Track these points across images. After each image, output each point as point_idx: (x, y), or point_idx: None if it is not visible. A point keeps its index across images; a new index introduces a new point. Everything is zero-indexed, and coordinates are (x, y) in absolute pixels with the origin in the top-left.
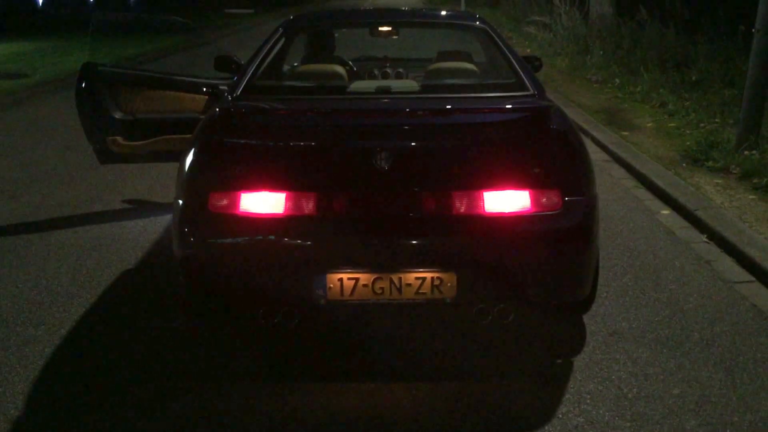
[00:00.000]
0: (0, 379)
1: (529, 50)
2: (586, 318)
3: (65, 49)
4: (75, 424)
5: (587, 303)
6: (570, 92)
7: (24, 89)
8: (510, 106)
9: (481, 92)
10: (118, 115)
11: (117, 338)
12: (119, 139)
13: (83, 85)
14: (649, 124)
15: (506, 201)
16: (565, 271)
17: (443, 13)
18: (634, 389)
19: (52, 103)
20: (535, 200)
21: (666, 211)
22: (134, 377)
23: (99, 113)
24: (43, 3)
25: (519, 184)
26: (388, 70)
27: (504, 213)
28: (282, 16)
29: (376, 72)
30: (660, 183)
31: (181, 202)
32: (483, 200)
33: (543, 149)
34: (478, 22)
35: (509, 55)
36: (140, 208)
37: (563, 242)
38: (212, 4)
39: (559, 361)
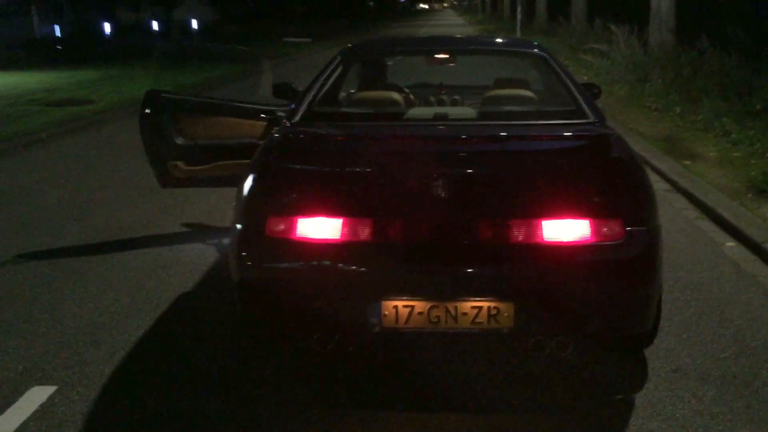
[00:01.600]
0: (61, 398)
1: (586, 78)
2: (647, 353)
3: (130, 76)
4: None
5: (649, 337)
6: (628, 120)
7: (90, 115)
8: (570, 134)
9: (540, 119)
10: (179, 141)
11: (173, 360)
12: (180, 164)
13: (147, 111)
14: (712, 154)
15: (566, 230)
16: (626, 304)
17: (501, 40)
18: (699, 429)
19: (116, 129)
20: (595, 230)
21: (731, 243)
22: (188, 400)
23: (161, 139)
24: (109, 33)
25: (579, 213)
26: (444, 97)
27: (564, 242)
28: (339, 45)
29: (432, 99)
30: (725, 214)
31: (239, 226)
32: (542, 229)
33: (604, 178)
34: (536, 50)
35: (569, 82)
36: (199, 231)
37: (624, 273)
38: (272, 33)
39: (619, 397)
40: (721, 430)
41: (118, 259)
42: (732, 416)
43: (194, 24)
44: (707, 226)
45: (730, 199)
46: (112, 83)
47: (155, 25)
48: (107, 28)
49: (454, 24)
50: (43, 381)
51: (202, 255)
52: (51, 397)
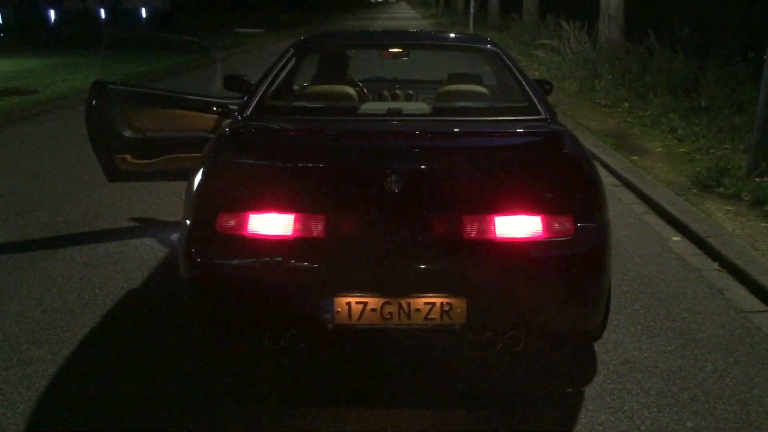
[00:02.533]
0: (2, 399)
1: (537, 73)
2: (597, 346)
3: (76, 66)
4: None
5: (599, 331)
6: (579, 116)
7: (34, 105)
8: (522, 130)
9: (493, 115)
10: (127, 133)
11: (121, 358)
12: (128, 157)
13: (93, 102)
14: (659, 149)
15: (518, 226)
16: (576, 299)
17: (454, 35)
18: (647, 421)
19: (61, 120)
20: (547, 226)
21: (677, 238)
22: (138, 398)
23: (108, 131)
24: (54, 20)
25: (531, 209)
26: (398, 92)
27: (515, 238)
28: (292, 36)
29: (385, 93)
30: (671, 209)
31: (188, 222)
32: (494, 225)
33: (556, 174)
34: (489, 45)
35: (521, 78)
36: (147, 226)
37: (575, 269)
38: (224, 24)
39: (569, 390)
40: (668, 422)
41: (63, 254)
42: (678, 408)
43: (143, 13)
44: (654, 220)
45: (675, 194)
46: (58, 72)
47: (102, 13)
48: (52, 15)
49: (408, 17)
50: None
51: (150, 250)
52: None
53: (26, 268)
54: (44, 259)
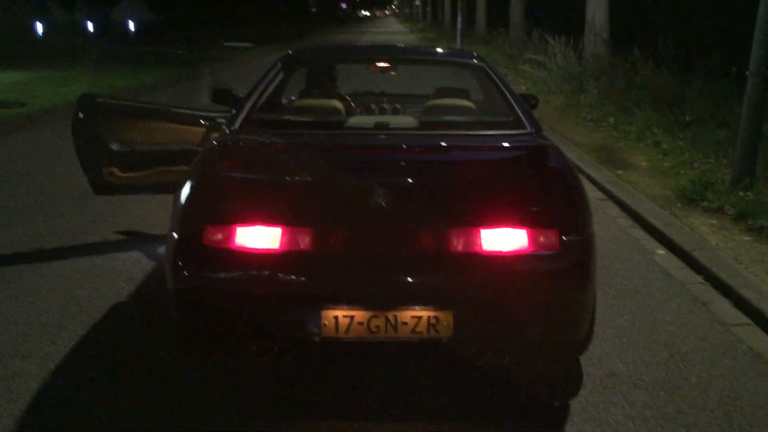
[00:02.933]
0: None
1: (524, 88)
2: (582, 359)
3: (64, 78)
4: None
5: (584, 344)
6: (565, 130)
7: (21, 118)
8: (508, 144)
9: (480, 130)
10: (115, 147)
11: (106, 372)
12: (116, 170)
13: (80, 115)
14: (644, 163)
15: (504, 240)
16: (562, 312)
17: (441, 50)
18: None
19: (48, 133)
20: (532, 239)
21: (662, 251)
22: (123, 412)
23: (96, 144)
24: (43, 33)
25: (517, 223)
26: (386, 106)
27: (501, 252)
28: (280, 50)
29: (373, 107)
30: (656, 223)
31: (175, 235)
32: (480, 238)
33: (541, 188)
34: (476, 60)
35: (507, 93)
36: (134, 239)
37: (561, 282)
38: (212, 37)
39: (555, 403)
40: None
41: (49, 268)
42: (663, 421)
43: (131, 26)
44: (639, 234)
45: (660, 207)
46: (45, 85)
47: (90, 26)
48: (40, 27)
49: (396, 32)
50: None
51: (136, 263)
52: None
53: (11, 282)
54: (29, 272)
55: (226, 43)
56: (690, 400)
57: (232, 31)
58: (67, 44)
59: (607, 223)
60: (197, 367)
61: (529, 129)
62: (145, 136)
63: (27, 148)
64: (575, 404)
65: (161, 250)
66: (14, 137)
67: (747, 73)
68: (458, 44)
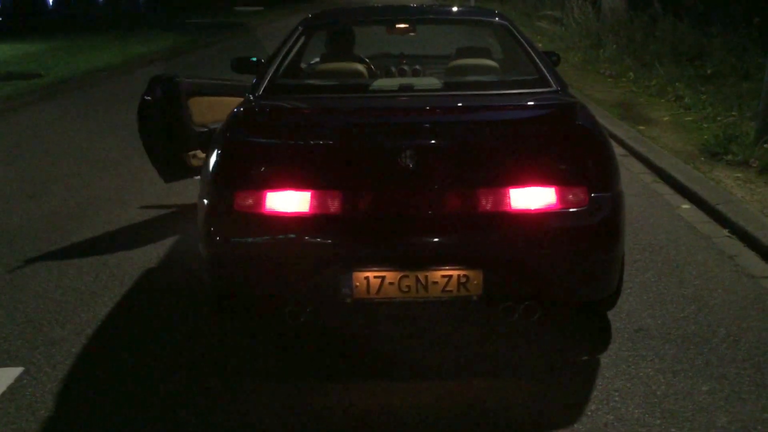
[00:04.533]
0: (29, 379)
1: (541, 45)
2: (610, 315)
3: (77, 48)
4: (103, 422)
5: (613, 300)
6: (584, 87)
7: (39, 89)
8: (535, 103)
9: (505, 89)
10: (197, 128)
11: (141, 336)
12: (199, 152)
13: (151, 99)
14: (666, 118)
15: (532, 198)
16: (591, 268)
17: (461, 9)
18: (663, 386)
19: (66, 103)
20: (561, 197)
21: (686, 206)
22: (159, 376)
23: (178, 127)
24: (53, 3)
25: (545, 181)
26: (405, 68)
27: (530, 210)
28: (291, 13)
29: (392, 69)
30: (679, 177)
31: (206, 201)
32: (509, 197)
33: (569, 146)
34: (497, 18)
35: (531, 51)
36: (159, 207)
37: (590, 239)
38: (222, 2)
39: (585, 358)
40: (683, 387)
41: (79, 236)
42: (693, 373)
43: None
44: (663, 189)
45: (684, 162)
46: (59, 56)
47: None
48: None
49: None
50: (9, 362)
51: (164, 230)
52: (19, 378)
53: (43, 251)
54: (59, 241)
55: (236, 8)
56: (720, 352)
57: None
58: (78, 13)
59: (630, 179)
60: (230, 332)
61: (554, 87)
62: (221, 113)
63: (47, 119)
64: (605, 359)
65: (188, 216)
66: (32, 109)
67: None
68: (472, 3)
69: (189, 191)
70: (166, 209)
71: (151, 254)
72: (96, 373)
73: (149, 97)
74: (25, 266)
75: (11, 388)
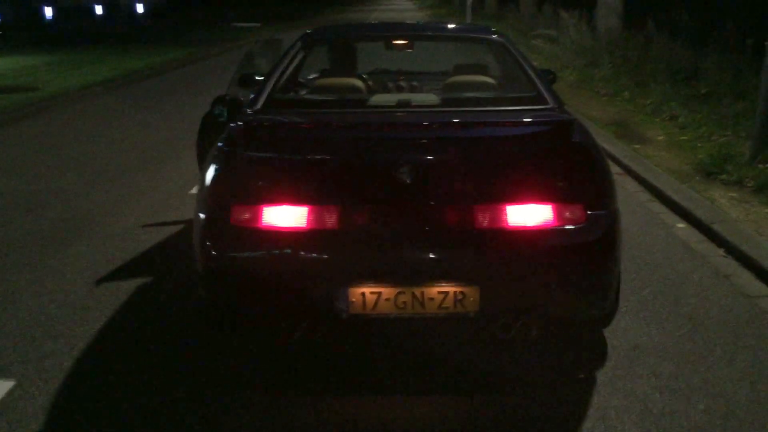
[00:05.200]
0: (21, 393)
1: (536, 63)
2: (607, 332)
3: (74, 62)
4: None
5: (609, 317)
6: (580, 105)
7: (36, 102)
8: (532, 120)
9: (502, 105)
10: None
11: (134, 351)
12: None
13: (219, 115)
14: (661, 137)
15: (529, 215)
16: (588, 286)
17: (459, 26)
18: (659, 404)
19: (63, 117)
20: (558, 214)
21: (682, 225)
22: (152, 390)
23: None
24: (51, 16)
25: (542, 198)
26: (403, 84)
27: (527, 227)
28: (288, 30)
29: (390, 85)
30: (675, 196)
31: (202, 215)
32: (506, 214)
33: (566, 163)
34: (495, 36)
35: (527, 68)
36: (157, 220)
37: (586, 256)
38: (220, 18)
39: (582, 376)
40: (680, 405)
41: (74, 250)
42: (689, 391)
43: (139, 8)
44: (658, 208)
45: (679, 181)
46: (56, 69)
47: (98, 9)
48: (48, 11)
49: (404, 9)
50: (1, 376)
51: (160, 244)
52: (10, 392)
53: (37, 265)
54: (55, 255)
55: (234, 24)
56: (716, 371)
57: (240, 12)
58: (76, 28)
59: (626, 198)
60: (224, 346)
61: (551, 104)
62: None
63: (44, 133)
64: (602, 377)
65: (185, 230)
66: (29, 122)
67: (766, 43)
68: (468, 20)
69: (185, 206)
70: (162, 225)
71: (147, 268)
72: (88, 387)
73: (216, 114)
74: (20, 279)
75: (3, 402)
